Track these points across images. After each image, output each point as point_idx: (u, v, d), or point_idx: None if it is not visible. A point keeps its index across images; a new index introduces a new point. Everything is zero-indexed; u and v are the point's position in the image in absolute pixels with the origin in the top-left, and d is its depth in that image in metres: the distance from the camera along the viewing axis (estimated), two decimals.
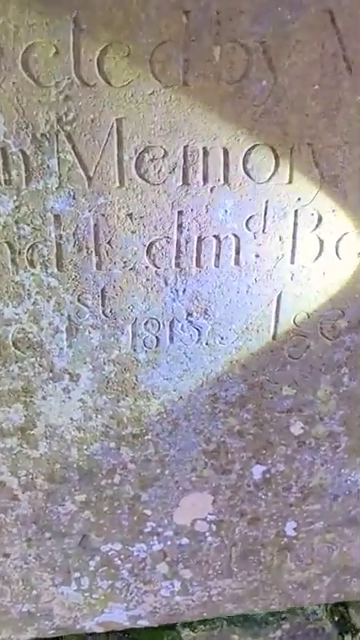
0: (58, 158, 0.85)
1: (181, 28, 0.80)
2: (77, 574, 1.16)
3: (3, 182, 0.85)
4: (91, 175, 0.86)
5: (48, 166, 0.85)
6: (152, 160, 0.86)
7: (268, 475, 1.12)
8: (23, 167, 0.84)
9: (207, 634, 1.47)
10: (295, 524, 1.18)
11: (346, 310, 1.00)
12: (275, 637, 1.50)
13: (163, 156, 0.86)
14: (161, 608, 1.23)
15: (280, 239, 0.94)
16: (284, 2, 0.81)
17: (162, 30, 0.80)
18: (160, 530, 1.14)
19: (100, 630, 1.24)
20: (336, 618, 1.55)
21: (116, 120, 0.84)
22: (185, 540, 1.16)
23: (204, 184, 0.89)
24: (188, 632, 1.46)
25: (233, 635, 1.47)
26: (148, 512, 1.12)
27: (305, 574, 1.23)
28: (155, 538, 1.15)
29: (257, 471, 1.11)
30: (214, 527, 1.16)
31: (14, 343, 0.95)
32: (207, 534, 1.16)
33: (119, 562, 1.17)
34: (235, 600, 1.25)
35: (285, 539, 1.19)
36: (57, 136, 0.84)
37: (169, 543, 1.16)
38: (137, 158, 0.86)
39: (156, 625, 1.28)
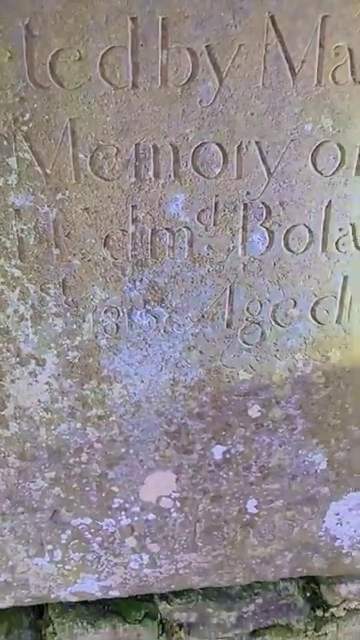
0: (17, 157, 0.91)
1: (128, 33, 0.85)
2: (50, 547, 1.24)
3: None
4: (48, 172, 0.92)
5: (8, 164, 0.91)
6: (106, 158, 0.92)
7: (228, 455, 1.18)
8: None
9: (183, 607, 1.54)
10: (256, 502, 1.24)
11: (297, 299, 1.05)
12: (248, 611, 1.56)
13: (116, 154, 0.92)
14: (131, 580, 1.31)
15: (231, 231, 0.99)
16: (227, 7, 0.85)
17: (111, 35, 0.85)
18: (127, 506, 1.21)
19: (74, 599, 1.32)
20: (308, 594, 1.62)
21: (70, 120, 0.89)
22: (151, 516, 1.23)
23: (156, 180, 0.94)
24: (165, 605, 1.53)
25: (208, 609, 1.54)
26: (115, 489, 1.19)
27: (267, 549, 1.30)
28: (123, 513, 1.22)
29: (217, 451, 1.18)
30: (178, 504, 1.22)
31: None
32: (172, 510, 1.23)
33: (89, 536, 1.24)
34: (201, 573, 1.32)
35: (247, 516, 1.25)
36: (15, 136, 0.89)
37: (136, 518, 1.23)
38: (91, 156, 0.92)
39: (126, 596, 1.36)
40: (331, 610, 1.61)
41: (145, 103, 0.89)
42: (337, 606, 1.61)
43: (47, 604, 1.53)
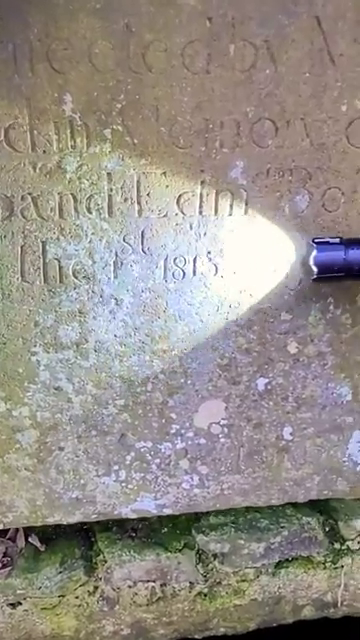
0: (111, 128, 1.12)
1: (205, 30, 1.07)
2: (116, 467, 1.45)
3: (70, 147, 1.13)
4: (135, 142, 1.14)
5: (104, 134, 1.12)
6: (182, 130, 1.14)
7: (269, 387, 1.40)
8: (85, 135, 1.12)
9: (217, 538, 1.74)
10: (291, 429, 1.46)
11: None
12: (275, 542, 1.77)
13: (190, 127, 1.14)
14: (182, 499, 1.52)
15: (279, 192, 1.21)
16: (283, 10, 1.08)
17: (191, 32, 1.07)
18: (183, 431, 1.43)
19: (133, 516, 1.52)
20: (327, 529, 1.83)
21: (155, 99, 1.11)
22: (203, 440, 1.44)
23: (221, 148, 1.16)
24: (202, 537, 1.73)
25: (239, 540, 1.74)
26: (173, 416, 1.41)
27: (299, 473, 1.51)
28: (179, 438, 1.43)
29: (261, 383, 1.39)
30: (226, 430, 1.44)
31: (73, 273, 1.23)
32: (220, 436, 1.44)
33: (149, 457, 1.45)
34: (242, 494, 1.54)
35: (283, 442, 1.47)
36: (111, 112, 1.11)
37: (190, 443, 1.44)
38: (170, 129, 1.13)
39: (178, 514, 1.57)
40: (347, 543, 1.82)
41: (215, 86, 1.11)
42: (352, 540, 1.82)
43: (96, 537, 1.74)
